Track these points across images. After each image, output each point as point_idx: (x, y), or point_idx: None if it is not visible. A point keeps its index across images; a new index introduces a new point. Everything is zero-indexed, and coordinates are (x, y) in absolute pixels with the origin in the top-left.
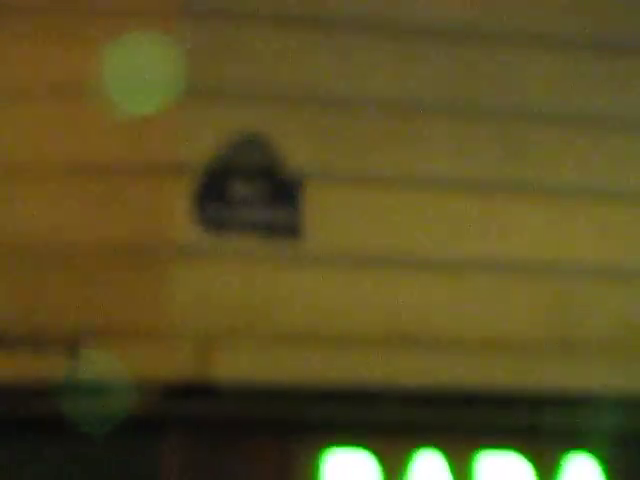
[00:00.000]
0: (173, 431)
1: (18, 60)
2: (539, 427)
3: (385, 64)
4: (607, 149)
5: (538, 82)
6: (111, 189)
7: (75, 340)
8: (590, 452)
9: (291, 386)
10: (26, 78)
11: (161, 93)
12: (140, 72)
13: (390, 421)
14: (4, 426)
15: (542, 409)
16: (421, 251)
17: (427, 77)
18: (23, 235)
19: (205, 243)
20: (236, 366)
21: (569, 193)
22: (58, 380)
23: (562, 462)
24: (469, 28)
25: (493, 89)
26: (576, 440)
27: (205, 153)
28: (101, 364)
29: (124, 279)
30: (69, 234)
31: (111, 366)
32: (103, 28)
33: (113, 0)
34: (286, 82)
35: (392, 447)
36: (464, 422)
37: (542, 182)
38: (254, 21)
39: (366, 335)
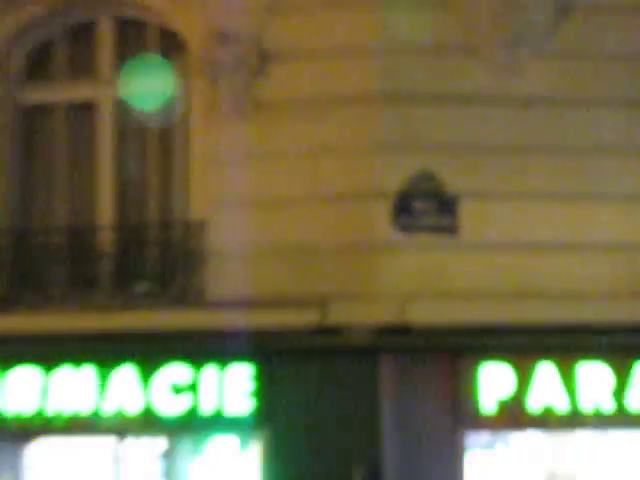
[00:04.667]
0: (384, 355)
1: None
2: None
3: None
4: None
5: None
6: (342, 209)
7: (323, 301)
8: None
9: (458, 324)
10: None
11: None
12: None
13: (519, 345)
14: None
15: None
16: (536, 239)
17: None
18: (291, 240)
19: (399, 239)
20: (422, 313)
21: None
22: (313, 324)
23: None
24: None
25: None
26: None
27: (398, 184)
28: (339, 314)
29: (352, 263)
30: (317, 238)
31: (347, 315)
32: None
33: None
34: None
35: (522, 362)
36: (569, 345)
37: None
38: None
39: (501, 291)
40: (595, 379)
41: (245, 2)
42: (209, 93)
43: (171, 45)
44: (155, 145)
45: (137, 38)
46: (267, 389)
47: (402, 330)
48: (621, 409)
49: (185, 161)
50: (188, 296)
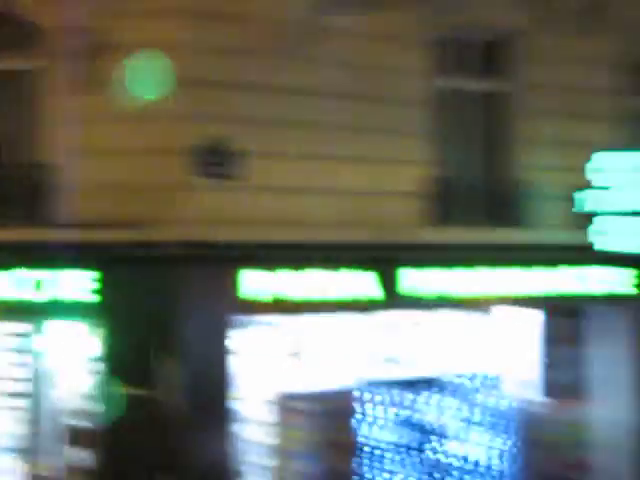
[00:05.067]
0: (188, 263)
1: None
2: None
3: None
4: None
5: None
6: (159, 160)
7: (146, 224)
8: None
9: (239, 242)
10: None
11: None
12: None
13: (278, 256)
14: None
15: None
16: (295, 185)
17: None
18: (122, 180)
19: (197, 182)
20: (216, 234)
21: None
22: (137, 240)
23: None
24: None
25: None
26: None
27: (196, 143)
28: (157, 234)
29: (166, 198)
30: (142, 180)
31: (163, 235)
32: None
33: None
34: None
35: (279, 268)
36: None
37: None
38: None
39: (271, 220)
40: (324, 280)
41: (88, 4)
42: (61, 71)
43: (35, 34)
44: (23, 108)
45: (6, 27)
46: (106, 289)
47: (201, 246)
48: (345, 298)
49: (44, 120)
50: (45, 218)
